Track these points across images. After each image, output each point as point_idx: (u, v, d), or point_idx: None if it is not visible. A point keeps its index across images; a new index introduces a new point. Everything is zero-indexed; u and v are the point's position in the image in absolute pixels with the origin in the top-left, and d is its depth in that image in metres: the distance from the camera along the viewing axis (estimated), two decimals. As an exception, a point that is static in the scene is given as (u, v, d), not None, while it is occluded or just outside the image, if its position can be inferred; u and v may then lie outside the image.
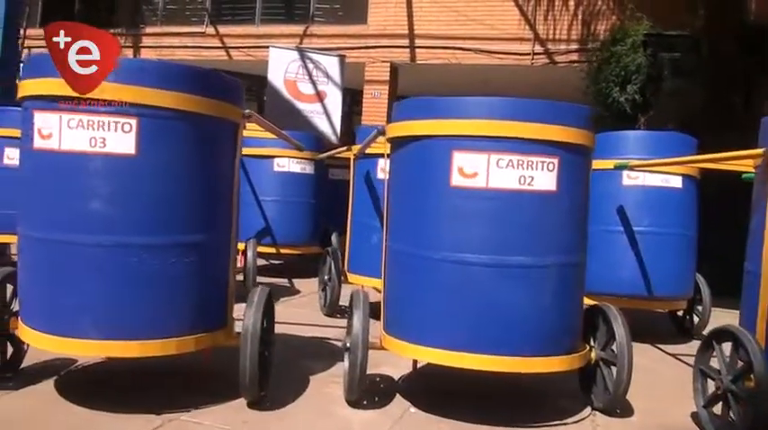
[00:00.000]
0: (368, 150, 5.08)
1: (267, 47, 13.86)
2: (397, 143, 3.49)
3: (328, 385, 3.77)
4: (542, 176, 3.22)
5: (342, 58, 11.01)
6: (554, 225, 3.30)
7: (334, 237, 7.45)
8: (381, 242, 5.18)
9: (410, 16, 13.26)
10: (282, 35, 13.82)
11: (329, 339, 4.81)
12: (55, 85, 2.96)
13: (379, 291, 3.83)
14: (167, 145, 3.05)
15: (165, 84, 3.01)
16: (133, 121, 2.96)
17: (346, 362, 3.62)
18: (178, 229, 3.12)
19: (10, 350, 3.52)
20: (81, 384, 3.60)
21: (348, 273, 5.48)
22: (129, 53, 15.50)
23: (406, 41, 13.33)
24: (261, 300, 3.30)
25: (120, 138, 2.96)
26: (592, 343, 3.65)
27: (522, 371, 3.33)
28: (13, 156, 6.24)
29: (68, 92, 2.93)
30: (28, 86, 3.09)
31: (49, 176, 3.03)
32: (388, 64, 13.53)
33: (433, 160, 3.26)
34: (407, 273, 3.42)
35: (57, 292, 3.04)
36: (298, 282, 7.33)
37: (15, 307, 3.42)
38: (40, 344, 3.13)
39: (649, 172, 5.16)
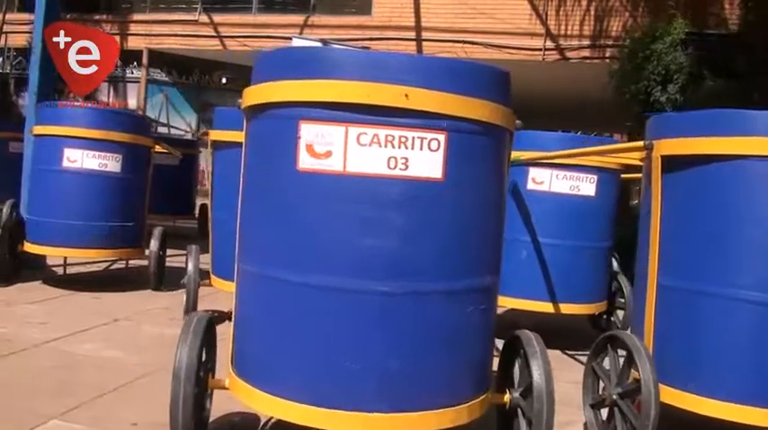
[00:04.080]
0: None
1: (264, 36, 13.05)
2: (683, 162, 2.86)
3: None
4: None
5: (367, 49, 10.26)
6: None
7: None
8: (532, 259, 4.64)
9: (417, 8, 12.62)
10: (281, 25, 12.98)
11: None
12: (343, 90, 2.21)
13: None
14: (474, 166, 2.34)
15: (473, 89, 2.29)
16: (441, 137, 2.24)
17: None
18: (478, 270, 2.41)
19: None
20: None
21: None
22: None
23: (412, 34, 12.69)
24: (544, 349, 2.63)
25: (426, 159, 2.23)
26: None
27: None
28: (74, 158, 5.33)
29: (364, 99, 2.19)
30: (288, 90, 2.30)
31: (326, 206, 2.27)
32: (394, 57, 12.87)
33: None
34: (699, 316, 2.81)
35: (327, 354, 2.30)
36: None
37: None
38: (297, 418, 2.38)
39: None
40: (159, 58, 14.70)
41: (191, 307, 4.52)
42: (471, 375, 2.46)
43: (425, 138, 2.23)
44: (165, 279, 5.87)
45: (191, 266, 4.49)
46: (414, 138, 2.22)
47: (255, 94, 2.44)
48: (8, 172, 8.64)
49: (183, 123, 15.53)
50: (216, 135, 4.54)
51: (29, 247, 5.56)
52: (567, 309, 4.54)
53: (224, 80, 15.50)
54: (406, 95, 2.19)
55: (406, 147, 2.22)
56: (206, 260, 4.78)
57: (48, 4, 6.19)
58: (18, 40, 16.98)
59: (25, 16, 16.43)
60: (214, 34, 13.43)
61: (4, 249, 5.50)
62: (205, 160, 13.31)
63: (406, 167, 2.23)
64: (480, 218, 2.40)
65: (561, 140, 4.43)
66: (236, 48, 13.34)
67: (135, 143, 5.56)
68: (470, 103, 2.28)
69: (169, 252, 6.25)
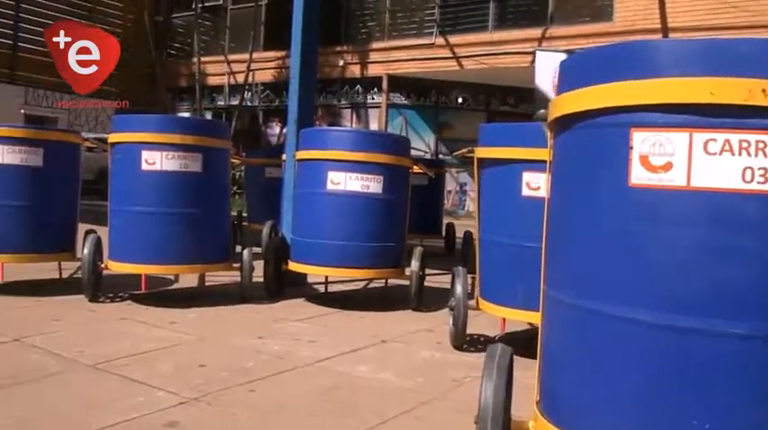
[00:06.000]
0: None
1: (501, 53, 12.84)
2: None
3: None
4: None
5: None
6: None
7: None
8: None
9: (662, 8, 11.73)
10: (518, 40, 12.70)
11: None
12: (684, 88, 1.84)
13: None
14: None
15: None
16: (809, 140, 1.80)
17: None
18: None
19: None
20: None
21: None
22: (356, 70, 14.90)
23: (658, 36, 11.80)
24: None
25: (787, 169, 1.81)
26: None
27: None
28: (338, 180, 5.40)
29: (710, 98, 1.82)
30: (613, 93, 1.97)
31: (664, 228, 1.90)
32: (640, 63, 12.08)
33: None
34: None
35: (666, 407, 1.91)
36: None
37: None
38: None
39: None
40: (398, 83, 15.03)
41: (459, 331, 4.34)
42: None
43: (789, 142, 1.80)
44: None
45: (459, 289, 4.30)
46: (773, 142, 1.80)
47: (568, 103, 2.14)
48: (265, 195, 9.18)
49: (421, 144, 15.74)
50: (483, 152, 4.32)
51: (293, 266, 5.71)
52: None
53: (460, 99, 15.54)
54: (764, 91, 1.78)
55: (765, 155, 1.80)
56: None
57: (304, 39, 6.38)
58: (264, 76, 18.36)
59: (271, 54, 17.73)
60: (450, 55, 13.47)
61: (270, 268, 5.72)
62: (448, 180, 13.41)
63: (766, 180, 1.81)
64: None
65: None
66: (471, 66, 13.26)
67: (396, 164, 5.53)
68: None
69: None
